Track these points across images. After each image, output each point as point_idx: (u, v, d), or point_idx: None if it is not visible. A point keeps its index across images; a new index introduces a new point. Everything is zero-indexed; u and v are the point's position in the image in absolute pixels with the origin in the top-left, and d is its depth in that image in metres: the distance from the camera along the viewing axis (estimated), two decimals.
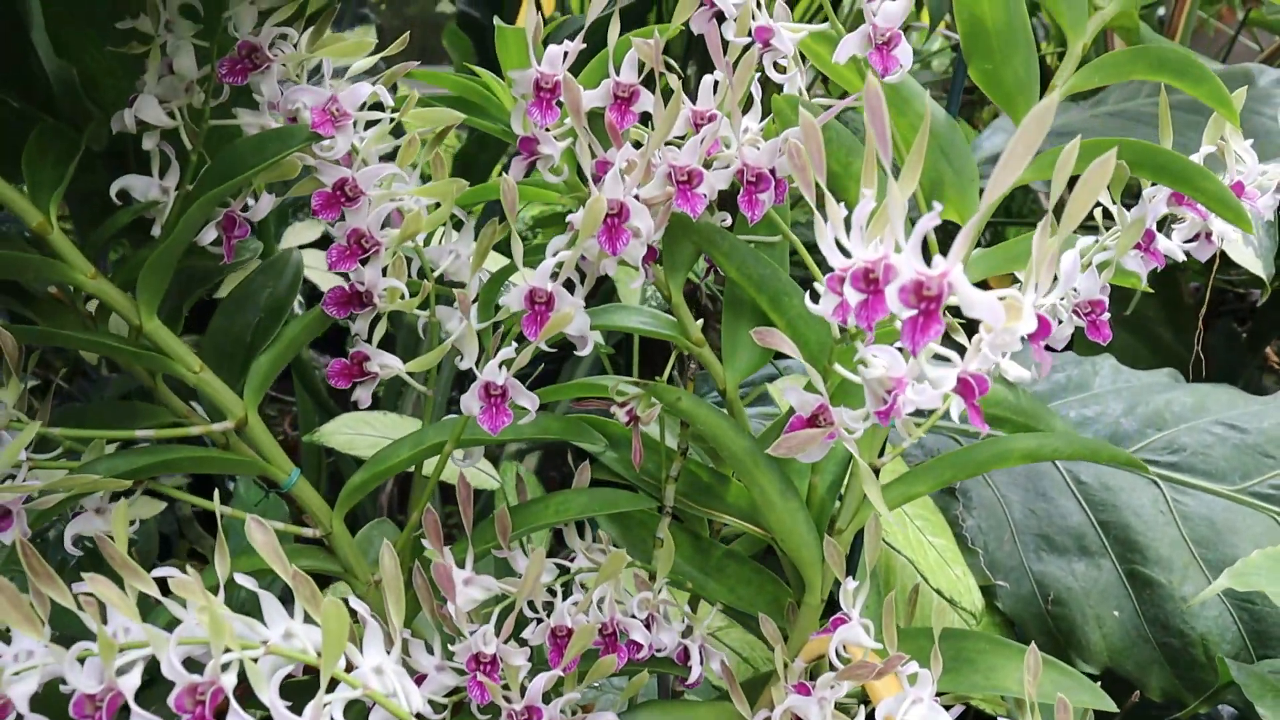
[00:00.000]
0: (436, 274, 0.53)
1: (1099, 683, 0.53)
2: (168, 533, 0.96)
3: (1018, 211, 1.24)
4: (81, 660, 0.37)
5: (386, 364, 0.52)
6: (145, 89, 0.52)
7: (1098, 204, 0.55)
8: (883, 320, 0.36)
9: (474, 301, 0.51)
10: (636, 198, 0.47)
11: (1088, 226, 0.54)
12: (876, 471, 0.55)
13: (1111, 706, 0.54)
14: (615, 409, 0.53)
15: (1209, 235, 0.59)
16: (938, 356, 0.41)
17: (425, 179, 0.52)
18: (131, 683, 0.37)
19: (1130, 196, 0.55)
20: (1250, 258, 0.78)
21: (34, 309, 0.55)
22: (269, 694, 0.39)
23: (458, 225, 0.55)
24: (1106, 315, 0.54)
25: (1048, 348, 0.55)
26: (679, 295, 0.53)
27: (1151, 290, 1.14)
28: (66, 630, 0.40)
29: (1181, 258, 0.59)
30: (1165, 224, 0.57)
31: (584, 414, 0.57)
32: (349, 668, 0.42)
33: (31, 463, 0.47)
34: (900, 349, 0.40)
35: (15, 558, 0.61)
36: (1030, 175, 0.52)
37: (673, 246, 0.53)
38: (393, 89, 0.52)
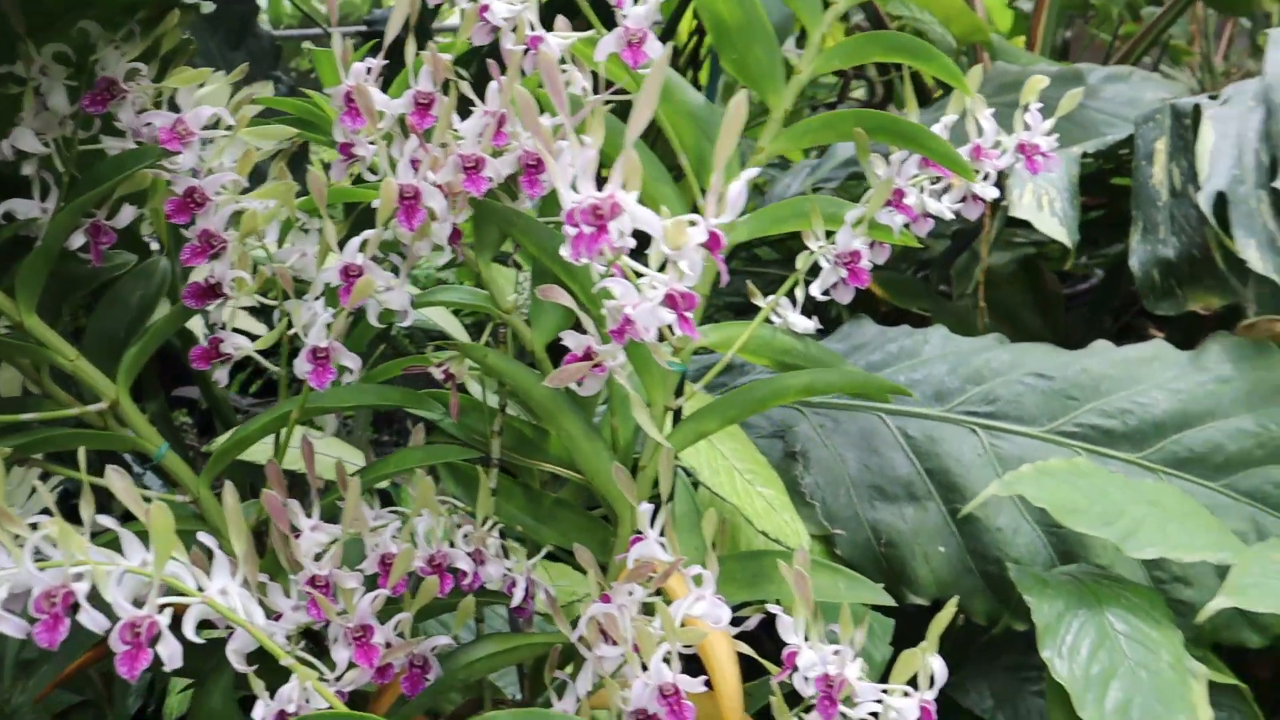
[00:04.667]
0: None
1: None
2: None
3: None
4: None
5: (239, 344, 0.60)
6: (22, 123, 0.60)
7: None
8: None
9: (320, 295, 0.59)
10: (434, 184, 0.56)
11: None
12: (678, 414, 0.64)
13: (888, 600, 0.61)
14: (433, 369, 0.61)
15: (975, 197, 0.67)
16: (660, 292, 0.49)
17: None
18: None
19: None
20: (1055, 226, 0.87)
21: None
22: (113, 595, 0.46)
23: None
24: (866, 264, 0.62)
25: (826, 294, 0.63)
26: (489, 271, 0.61)
27: (1016, 280, 1.22)
28: None
29: (949, 216, 0.67)
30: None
31: (436, 389, 0.66)
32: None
33: None
34: (629, 278, 0.48)
35: None
36: (778, 146, 0.61)
37: (480, 229, 0.61)
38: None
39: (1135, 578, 0.71)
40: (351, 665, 0.54)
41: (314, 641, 0.59)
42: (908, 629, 0.75)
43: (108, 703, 0.91)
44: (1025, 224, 1.30)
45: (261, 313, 0.67)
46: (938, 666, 0.52)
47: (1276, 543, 0.67)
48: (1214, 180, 0.83)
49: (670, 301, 0.47)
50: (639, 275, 0.47)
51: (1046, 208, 0.87)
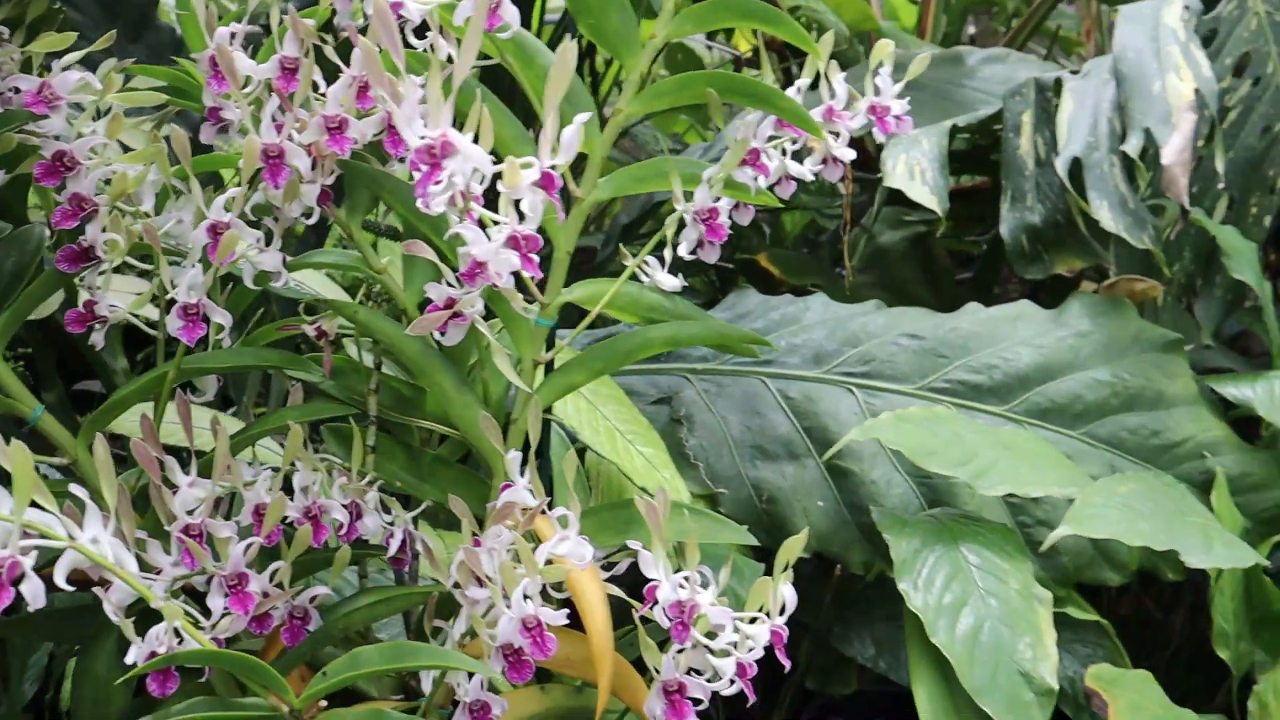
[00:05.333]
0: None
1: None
2: None
3: None
4: None
5: (113, 306, 0.61)
6: None
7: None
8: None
9: (199, 261, 0.60)
10: (299, 145, 0.57)
11: None
12: (549, 366, 0.66)
13: (751, 540, 0.64)
14: (306, 328, 0.62)
15: (834, 159, 0.70)
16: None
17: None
18: None
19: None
20: (926, 194, 0.91)
21: None
22: None
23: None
24: (724, 220, 0.64)
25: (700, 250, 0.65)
26: (359, 233, 0.63)
27: (908, 257, 1.26)
28: None
29: (810, 177, 0.70)
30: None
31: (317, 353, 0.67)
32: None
33: None
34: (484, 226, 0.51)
35: None
36: (636, 108, 0.63)
37: (351, 192, 0.63)
38: None
39: (998, 520, 0.75)
40: (226, 613, 0.56)
41: (199, 601, 0.60)
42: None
43: (3, 689, 0.90)
44: (919, 205, 1.35)
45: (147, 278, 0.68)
46: (788, 594, 0.54)
47: (1121, 478, 0.71)
48: (1070, 147, 0.87)
49: (513, 243, 0.49)
50: (494, 225, 0.49)
51: (918, 177, 0.91)
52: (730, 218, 0.66)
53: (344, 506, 0.61)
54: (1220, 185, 0.93)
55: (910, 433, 0.68)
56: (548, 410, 0.67)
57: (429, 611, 0.62)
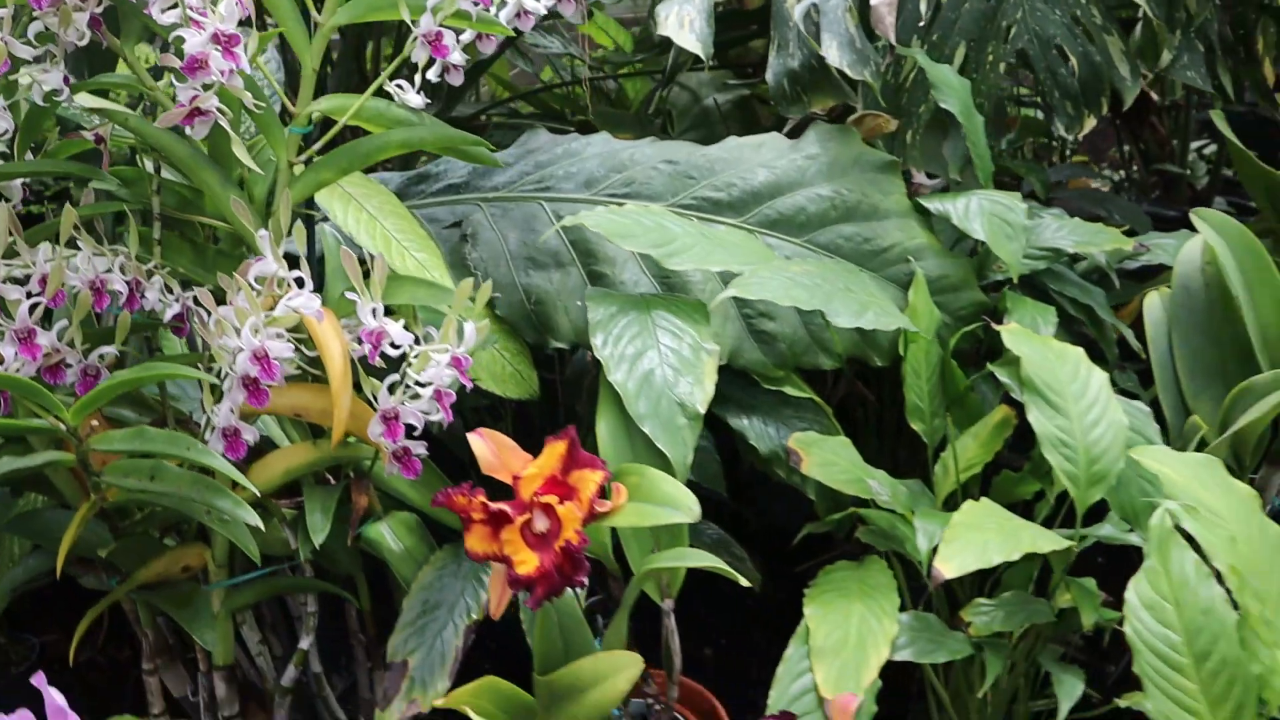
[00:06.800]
0: None
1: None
2: None
3: None
4: None
5: None
6: None
7: None
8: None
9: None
10: None
11: None
12: (308, 160, 0.77)
13: (450, 284, 0.76)
14: (86, 134, 0.74)
15: (526, 12, 0.81)
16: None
17: None
18: None
19: None
20: (692, 41, 1.02)
21: None
22: None
23: None
24: (449, 43, 0.75)
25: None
26: (133, 56, 0.74)
27: (732, 116, 1.37)
28: None
29: (543, 11, 0.81)
30: None
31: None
32: None
33: None
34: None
35: None
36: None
37: (124, 20, 0.74)
38: None
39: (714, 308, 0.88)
40: (19, 361, 0.68)
41: None
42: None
43: None
44: (744, 71, 1.46)
45: None
46: (469, 330, 0.68)
47: (799, 260, 0.84)
48: None
49: (215, 39, 0.61)
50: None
51: (687, 27, 1.02)
52: (477, 47, 0.78)
53: (126, 283, 0.73)
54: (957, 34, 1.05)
55: (614, 222, 0.80)
56: (311, 206, 0.80)
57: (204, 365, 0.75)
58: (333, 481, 0.81)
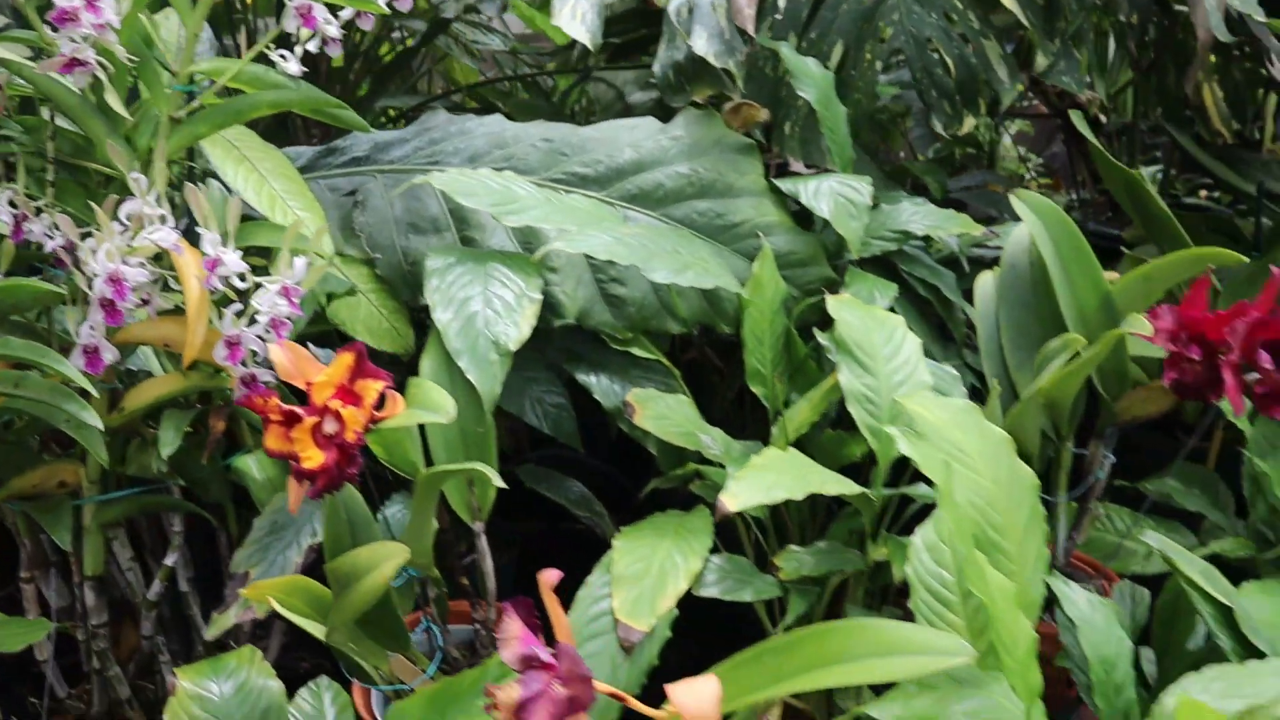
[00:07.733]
0: None
1: None
2: None
3: None
4: None
5: None
6: None
7: None
8: None
9: None
10: None
11: None
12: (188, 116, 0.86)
13: (287, 241, 0.85)
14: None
15: None
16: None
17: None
18: None
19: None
20: (582, 32, 1.10)
21: None
22: None
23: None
24: (321, 16, 0.84)
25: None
26: (33, 14, 0.83)
27: (652, 111, 1.44)
28: None
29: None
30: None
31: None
32: None
33: None
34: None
35: None
36: None
37: None
38: None
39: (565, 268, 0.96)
40: None
41: None
42: None
43: None
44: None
45: None
46: (299, 263, 0.76)
47: (635, 226, 0.91)
48: None
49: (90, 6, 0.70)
50: None
51: (579, 19, 1.11)
52: (355, 24, 0.87)
53: (14, 216, 0.82)
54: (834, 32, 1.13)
55: (461, 183, 0.88)
56: (190, 156, 0.88)
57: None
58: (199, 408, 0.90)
